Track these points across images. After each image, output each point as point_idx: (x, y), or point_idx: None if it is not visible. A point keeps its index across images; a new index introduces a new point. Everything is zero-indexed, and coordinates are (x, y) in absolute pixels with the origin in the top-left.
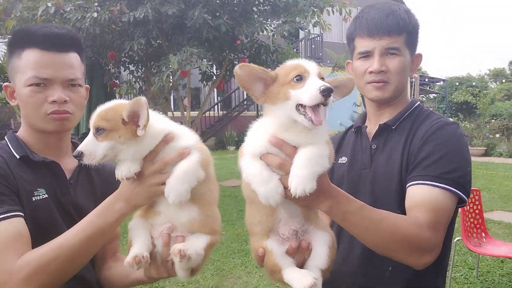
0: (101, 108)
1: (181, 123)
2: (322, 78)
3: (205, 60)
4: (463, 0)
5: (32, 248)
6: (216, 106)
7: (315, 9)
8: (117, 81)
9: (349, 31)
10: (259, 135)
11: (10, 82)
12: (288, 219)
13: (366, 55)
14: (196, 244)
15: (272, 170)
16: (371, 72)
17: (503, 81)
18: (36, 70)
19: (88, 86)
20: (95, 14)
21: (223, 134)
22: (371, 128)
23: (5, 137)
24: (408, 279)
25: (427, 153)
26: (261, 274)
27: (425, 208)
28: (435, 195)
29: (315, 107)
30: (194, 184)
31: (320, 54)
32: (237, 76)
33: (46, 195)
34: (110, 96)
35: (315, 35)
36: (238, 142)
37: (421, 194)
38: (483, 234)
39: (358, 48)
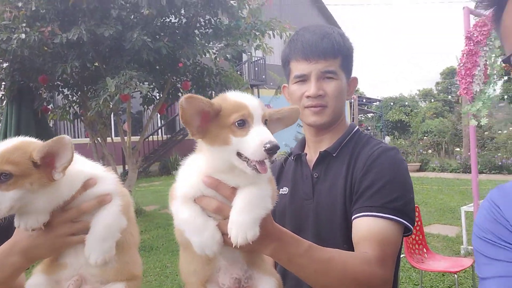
0: (2, 148)
1: (122, 149)
2: (266, 120)
3: (146, 83)
4: (390, 27)
5: None
6: (159, 130)
7: (256, 33)
8: (50, 106)
9: (284, 54)
10: (192, 175)
11: None
12: (228, 267)
13: (303, 79)
14: None
15: (209, 214)
16: (308, 97)
17: (432, 100)
18: None
19: None
20: (23, 35)
21: (167, 159)
22: (311, 155)
23: None
24: None
25: (370, 182)
26: None
27: (372, 241)
28: (380, 227)
29: None
30: (118, 237)
31: (264, 76)
32: (181, 110)
33: None
34: (41, 123)
35: (258, 58)
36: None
37: (367, 227)
38: (425, 250)
39: (294, 71)
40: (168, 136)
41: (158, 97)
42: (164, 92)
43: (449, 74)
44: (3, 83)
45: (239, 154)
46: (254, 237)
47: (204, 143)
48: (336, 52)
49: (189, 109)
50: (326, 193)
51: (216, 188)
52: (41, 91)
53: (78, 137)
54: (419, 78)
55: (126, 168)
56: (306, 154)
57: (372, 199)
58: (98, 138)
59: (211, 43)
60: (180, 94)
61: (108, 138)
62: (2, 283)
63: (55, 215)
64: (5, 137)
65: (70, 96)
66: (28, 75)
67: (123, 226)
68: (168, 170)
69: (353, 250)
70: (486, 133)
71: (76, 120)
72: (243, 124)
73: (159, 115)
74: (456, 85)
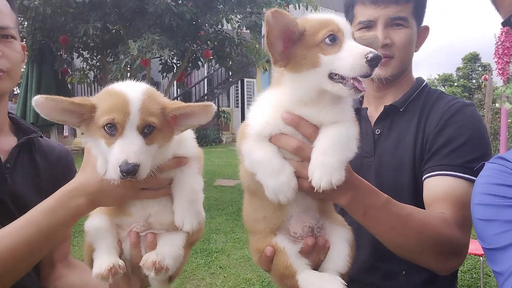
0: (140, 97)
1: None
2: (354, 40)
3: (167, 49)
4: None
5: None
6: (175, 100)
7: (282, 2)
8: (68, 68)
9: None
10: (268, 111)
11: None
12: (300, 214)
13: (368, 25)
14: (171, 248)
15: (285, 156)
16: None
17: (455, 84)
18: None
19: (24, 44)
20: None
21: None
22: (372, 111)
23: None
24: (422, 284)
25: (447, 138)
26: (225, 275)
27: (450, 202)
28: (460, 188)
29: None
30: (203, 199)
31: None
32: (267, 26)
33: None
34: (61, 84)
35: None
36: (198, 138)
37: (444, 187)
38: None
39: (359, 17)
40: None
41: (177, 65)
42: (184, 59)
43: (471, 59)
44: (24, 41)
45: (330, 77)
46: (339, 181)
47: (287, 71)
48: None
49: (275, 26)
50: (390, 151)
51: (297, 126)
52: (61, 52)
53: None
54: (440, 62)
55: None
56: (367, 108)
57: (450, 157)
58: None
59: (234, 11)
60: (200, 62)
61: None
62: (55, 234)
63: None
64: (25, 96)
65: (89, 59)
66: (49, 35)
67: (203, 187)
68: None
69: None
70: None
71: (94, 84)
72: (334, 39)
73: (175, 85)
74: (477, 72)
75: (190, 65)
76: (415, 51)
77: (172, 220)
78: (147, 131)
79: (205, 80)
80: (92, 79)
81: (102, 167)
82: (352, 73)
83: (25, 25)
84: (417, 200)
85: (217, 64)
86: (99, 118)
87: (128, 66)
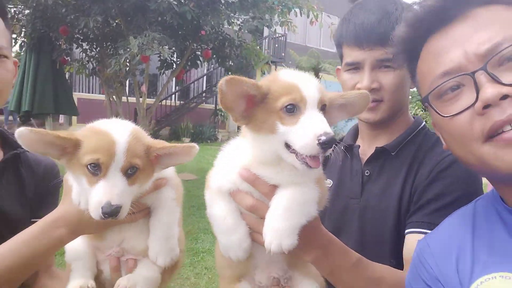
0: (124, 139)
1: (136, 110)
2: (324, 105)
3: (166, 46)
4: None
5: None
6: (173, 95)
7: (283, 8)
8: (67, 58)
9: (336, 35)
10: (229, 165)
11: None
12: (267, 265)
13: (355, 66)
14: (148, 272)
15: (242, 211)
16: (359, 89)
17: None
18: None
19: (17, 60)
20: None
21: (178, 125)
22: (365, 149)
23: None
24: None
25: (435, 194)
26: (210, 276)
27: None
28: None
29: None
30: (178, 233)
31: (283, 54)
32: (221, 94)
33: None
34: (59, 74)
35: (280, 35)
36: (194, 135)
37: None
38: None
39: (346, 58)
40: (181, 102)
41: (176, 62)
42: (183, 58)
43: None
44: (23, 29)
45: (287, 145)
46: (290, 246)
47: (249, 129)
48: None
49: (230, 93)
50: (377, 195)
51: (253, 184)
52: (60, 42)
53: (93, 93)
54: None
55: None
56: (359, 146)
57: (434, 215)
58: (114, 96)
59: (236, 13)
60: (199, 61)
61: (123, 98)
62: (44, 254)
63: None
64: (21, 84)
65: (88, 51)
66: (49, 25)
67: (179, 218)
68: (178, 135)
69: (401, 266)
70: None
71: (92, 75)
72: (293, 110)
73: (174, 80)
74: None
75: (189, 63)
76: (411, 88)
77: (145, 248)
78: (130, 172)
79: (204, 77)
80: (91, 70)
81: (77, 198)
82: (303, 151)
83: (25, 13)
84: (398, 249)
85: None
86: (83, 156)
87: (128, 61)
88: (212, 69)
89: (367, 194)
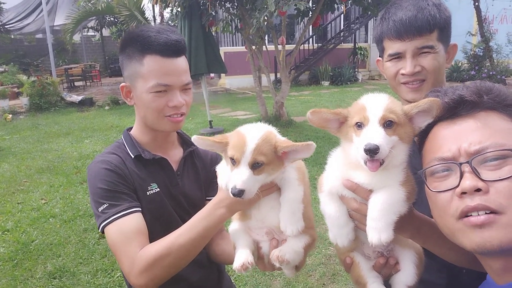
0: (255, 141)
1: (275, 58)
2: (390, 121)
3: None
4: None
5: (149, 237)
6: (310, 39)
7: None
8: (214, 20)
9: (376, 32)
10: (336, 170)
11: (125, 82)
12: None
13: (398, 56)
14: (293, 246)
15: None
16: (404, 74)
17: None
18: (159, 77)
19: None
20: None
21: (317, 68)
22: None
23: (122, 136)
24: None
25: None
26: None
27: None
28: None
29: None
30: (302, 209)
31: None
32: (309, 121)
33: (158, 189)
34: (208, 36)
35: None
36: (333, 77)
37: None
38: None
39: (388, 49)
40: (318, 45)
41: (312, 9)
42: (319, 4)
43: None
44: (177, 0)
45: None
46: (387, 239)
47: (342, 140)
48: (431, 26)
49: (316, 121)
50: None
51: (354, 191)
52: (207, 6)
53: (236, 45)
54: None
55: (278, 76)
56: None
57: None
58: (256, 49)
59: None
60: (335, 5)
61: (263, 47)
62: (210, 232)
63: None
64: None
65: (231, 9)
66: None
67: (302, 196)
68: (317, 79)
69: None
70: None
71: (236, 33)
72: (361, 125)
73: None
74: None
75: (325, 7)
76: (446, 68)
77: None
78: (256, 165)
79: (342, 15)
80: (234, 28)
81: (221, 182)
82: (359, 157)
83: None
84: None
85: None
86: (228, 151)
87: (266, 17)
88: (349, 5)
89: None
